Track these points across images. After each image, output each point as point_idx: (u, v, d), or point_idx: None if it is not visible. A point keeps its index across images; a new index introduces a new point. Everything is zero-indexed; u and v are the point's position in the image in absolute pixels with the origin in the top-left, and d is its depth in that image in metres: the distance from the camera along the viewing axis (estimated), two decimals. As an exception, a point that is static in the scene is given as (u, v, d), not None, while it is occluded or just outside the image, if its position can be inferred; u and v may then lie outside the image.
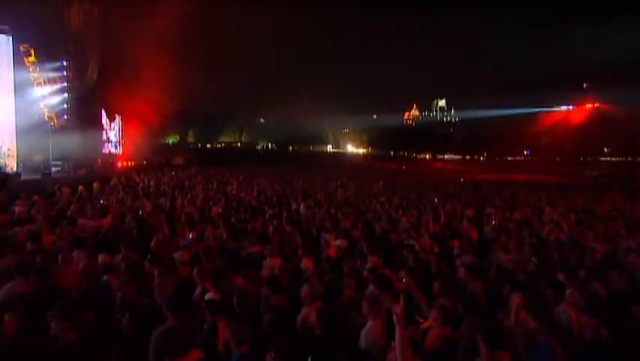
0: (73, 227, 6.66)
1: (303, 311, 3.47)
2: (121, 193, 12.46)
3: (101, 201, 10.40)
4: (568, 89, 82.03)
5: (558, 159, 66.21)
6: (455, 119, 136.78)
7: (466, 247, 5.34)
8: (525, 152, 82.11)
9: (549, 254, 5.37)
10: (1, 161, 18.73)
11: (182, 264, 4.45)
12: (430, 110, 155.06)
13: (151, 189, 13.76)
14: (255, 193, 12.91)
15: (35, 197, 12.10)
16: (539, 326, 2.93)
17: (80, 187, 13.93)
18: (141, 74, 28.92)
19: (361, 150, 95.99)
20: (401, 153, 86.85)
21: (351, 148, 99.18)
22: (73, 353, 2.69)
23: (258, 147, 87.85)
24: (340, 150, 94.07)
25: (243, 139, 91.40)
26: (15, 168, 18.83)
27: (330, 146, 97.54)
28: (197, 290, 3.95)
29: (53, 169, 20.70)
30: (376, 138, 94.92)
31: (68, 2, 21.34)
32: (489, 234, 7.38)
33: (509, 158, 78.65)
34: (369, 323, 3.21)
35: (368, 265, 4.43)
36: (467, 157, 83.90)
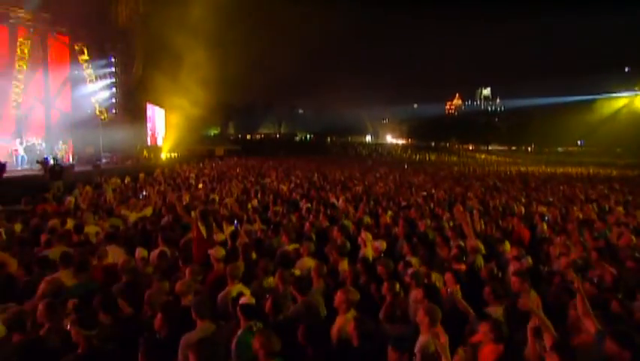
0: (111, 218, 6.83)
1: (339, 320, 3.23)
2: (162, 185, 12.81)
3: (144, 193, 10.71)
4: (634, 73, 75.01)
5: (619, 150, 60.61)
6: (500, 108, 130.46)
7: (518, 251, 4.80)
8: (579, 142, 76.61)
9: (621, 262, 4.72)
10: (59, 153, 19.94)
11: (217, 260, 4.34)
12: (474, 99, 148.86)
13: (191, 181, 14.05)
14: (292, 185, 12.81)
15: (86, 187, 12.81)
16: (622, 354, 2.46)
17: (126, 179, 14.61)
18: (184, 68, 29.71)
19: (401, 141, 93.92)
20: (443, 143, 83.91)
21: (390, 139, 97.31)
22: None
23: (297, 138, 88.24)
24: (379, 141, 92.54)
25: (282, 130, 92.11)
26: (71, 160, 19.99)
27: (369, 137, 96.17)
28: (228, 289, 3.81)
29: (103, 160, 21.85)
30: (417, 129, 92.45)
31: (117, 1, 22.17)
32: (542, 234, 6.76)
33: (560, 149, 73.75)
34: (427, 337, 2.90)
35: (410, 271, 4.08)
36: (513, 148, 79.72)
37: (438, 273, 4.39)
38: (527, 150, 77.56)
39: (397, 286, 3.79)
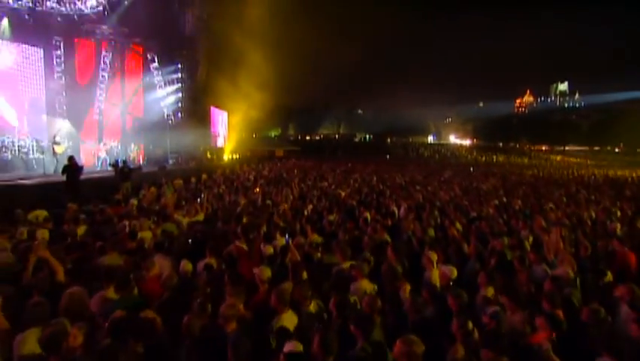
0: (166, 222, 6.80)
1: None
2: (222, 186, 12.95)
3: (202, 195, 10.84)
4: None
5: None
6: (580, 105, 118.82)
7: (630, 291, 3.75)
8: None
9: None
10: (131, 155, 21.35)
11: (262, 282, 3.94)
12: (548, 96, 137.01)
13: (248, 184, 14.10)
14: (349, 190, 12.28)
15: (152, 189, 13.36)
16: None
17: (192, 179, 15.04)
18: (245, 72, 30.47)
19: (465, 141, 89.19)
20: (512, 144, 78.07)
21: (454, 139, 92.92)
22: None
23: (356, 139, 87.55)
24: (442, 142, 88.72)
25: (341, 131, 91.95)
26: (141, 162, 21.28)
27: (432, 137, 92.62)
28: (276, 319, 3.38)
29: (170, 162, 23.02)
30: (482, 128, 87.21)
31: (183, 10, 23.27)
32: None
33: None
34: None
35: (490, 310, 3.33)
36: (596, 148, 71.81)
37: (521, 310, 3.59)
38: (614, 150, 69.48)
39: (470, 324, 3.11)
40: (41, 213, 8.50)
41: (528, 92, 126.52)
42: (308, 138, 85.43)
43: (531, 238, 6.15)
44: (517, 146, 76.00)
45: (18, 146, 16.35)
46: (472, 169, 29.06)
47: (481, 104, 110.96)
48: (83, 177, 12.61)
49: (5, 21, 17.71)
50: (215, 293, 3.94)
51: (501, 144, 78.04)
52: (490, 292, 3.96)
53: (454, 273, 4.18)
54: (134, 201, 9.18)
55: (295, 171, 20.18)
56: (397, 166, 26.53)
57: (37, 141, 17.21)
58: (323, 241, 5.84)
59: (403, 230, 6.61)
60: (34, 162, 15.79)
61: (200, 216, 7.75)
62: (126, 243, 5.69)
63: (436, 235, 6.44)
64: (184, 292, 3.89)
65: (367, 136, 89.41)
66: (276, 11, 29.72)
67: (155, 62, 22.74)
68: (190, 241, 6.45)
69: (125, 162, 13.38)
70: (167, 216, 7.23)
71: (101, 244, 5.35)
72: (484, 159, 50.07)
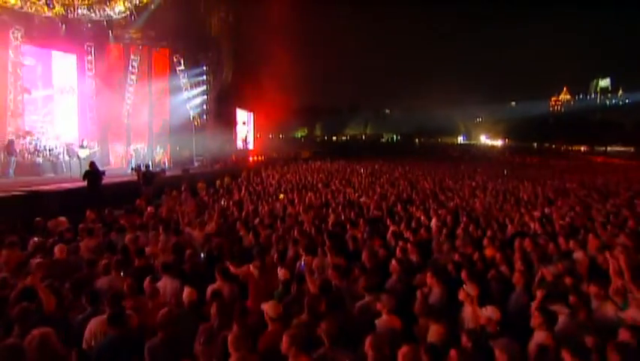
0: (178, 237, 6.41)
1: None
2: (243, 192, 12.59)
3: (222, 202, 10.49)
4: None
5: None
6: (623, 102, 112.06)
7: None
8: None
9: None
10: (157, 158, 21.49)
11: (272, 320, 3.41)
12: (587, 93, 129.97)
13: (271, 188, 13.67)
14: (376, 197, 11.60)
15: (174, 192, 13.17)
16: None
17: (217, 182, 14.79)
18: (271, 73, 30.31)
19: (497, 142, 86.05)
20: (547, 144, 74.46)
21: (484, 139, 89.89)
22: None
23: (383, 140, 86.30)
24: (472, 142, 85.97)
25: (368, 131, 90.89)
26: (167, 164, 21.38)
27: (461, 137, 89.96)
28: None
29: (195, 164, 23.05)
30: (515, 128, 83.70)
31: (209, 12, 23.25)
32: None
33: None
34: None
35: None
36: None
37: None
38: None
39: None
40: (61, 221, 8.40)
41: (565, 89, 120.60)
42: (334, 138, 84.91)
43: (586, 262, 5.32)
44: (554, 147, 72.32)
45: (48, 149, 16.67)
46: (505, 172, 27.62)
47: (513, 103, 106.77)
48: (106, 181, 12.61)
49: (39, 29, 18.15)
50: (224, 324, 3.46)
51: (535, 145, 74.62)
52: (545, 337, 3.27)
53: (498, 314, 3.49)
54: (150, 209, 8.91)
55: (320, 175, 19.64)
56: (426, 169, 25.46)
57: (66, 145, 17.52)
58: (346, 264, 5.25)
59: (435, 250, 5.91)
60: (62, 165, 16.03)
61: (211, 227, 7.34)
62: (133, 259, 5.33)
63: (472, 255, 5.71)
64: (185, 329, 3.42)
65: (395, 137, 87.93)
66: (302, 12, 29.37)
67: (181, 64, 22.82)
68: (204, 255, 6.04)
69: (147, 166, 13.28)
70: (180, 230, 6.85)
71: (106, 261, 5.00)
72: (517, 160, 47.84)
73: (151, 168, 18.58)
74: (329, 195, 11.99)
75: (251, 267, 4.38)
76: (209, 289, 4.32)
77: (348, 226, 7.56)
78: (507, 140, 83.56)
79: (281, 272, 4.49)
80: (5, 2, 16.10)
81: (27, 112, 18.44)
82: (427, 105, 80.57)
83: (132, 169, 13.66)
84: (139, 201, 11.02)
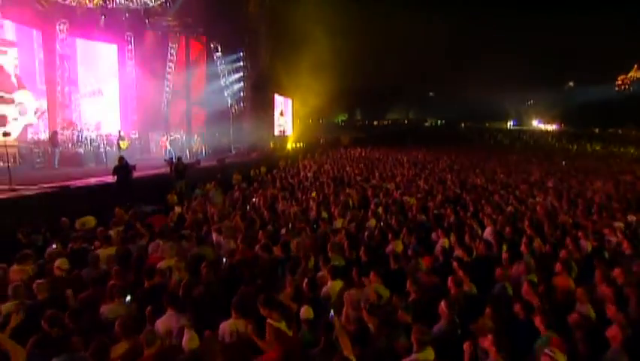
0: (199, 247, 5.78)
1: None
2: (277, 187, 11.94)
3: (254, 200, 9.85)
4: None
5: None
6: None
7: None
8: None
9: None
10: (195, 146, 21.40)
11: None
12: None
13: (307, 182, 12.91)
14: (420, 195, 10.50)
15: (208, 186, 12.78)
16: None
17: (237, 177, 14.23)
18: (310, 57, 29.21)
19: (551, 127, 79.79)
20: (612, 130, 67.57)
21: (537, 124, 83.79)
22: None
23: (426, 124, 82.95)
24: (523, 127, 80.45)
25: (410, 116, 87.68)
26: (204, 153, 21.24)
27: (511, 122, 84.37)
28: None
29: (233, 152, 22.80)
30: (573, 111, 76.80)
31: (246, -1, 22.57)
32: None
33: None
34: None
35: None
36: None
37: None
38: None
39: None
40: (89, 220, 8.13)
41: (635, 66, 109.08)
42: (375, 123, 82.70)
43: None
44: (620, 132, 65.31)
45: (89, 140, 16.92)
46: (563, 163, 25.12)
47: (571, 84, 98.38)
48: (139, 174, 12.42)
49: (82, 21, 18.32)
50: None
51: (597, 130, 68.07)
52: None
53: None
54: (177, 209, 8.44)
55: (359, 165, 18.63)
56: (474, 158, 23.54)
57: (105, 136, 17.75)
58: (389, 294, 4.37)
59: (497, 279, 4.84)
60: (103, 155, 16.18)
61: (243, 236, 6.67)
62: (144, 279, 4.75)
63: (544, 287, 4.59)
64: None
65: (439, 121, 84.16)
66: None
67: (218, 51, 22.45)
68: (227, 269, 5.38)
69: (179, 158, 12.94)
70: (203, 238, 6.24)
71: (113, 283, 4.46)
72: (574, 147, 43.73)
73: (188, 158, 18.58)
74: (368, 192, 11.05)
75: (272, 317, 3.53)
76: (222, 328, 3.63)
77: (390, 235, 6.62)
78: (563, 124, 77.24)
79: (304, 311, 3.69)
80: (50, -5, 16.25)
81: (72, 103, 18.86)
82: (474, 88, 75.50)
83: (165, 161, 13.40)
84: (170, 197, 10.69)
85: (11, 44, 15.95)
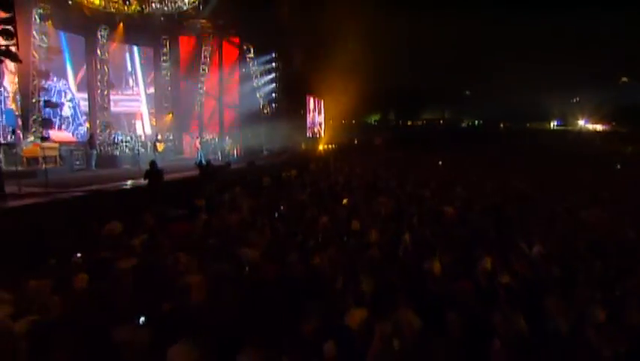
0: (220, 265, 5.45)
1: None
2: (306, 191, 11.57)
3: (281, 208, 9.51)
4: None
5: None
6: None
7: None
8: None
9: None
10: (227, 148, 21.50)
11: None
12: None
13: (338, 187, 12.46)
14: (458, 204, 9.77)
15: (237, 189, 12.62)
16: None
17: (266, 179, 13.96)
18: (343, 56, 28.74)
19: (600, 126, 74.59)
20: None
21: (583, 124, 78.66)
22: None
23: (463, 124, 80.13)
24: (568, 127, 75.87)
25: (446, 116, 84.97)
26: (236, 155, 21.32)
27: (555, 122, 79.76)
28: None
29: (265, 153, 22.74)
30: (627, 109, 71.34)
31: (279, -1, 22.46)
32: None
33: None
34: None
35: None
36: None
37: None
38: None
39: None
40: (115, 226, 8.08)
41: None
42: (409, 123, 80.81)
43: None
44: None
45: (125, 142, 17.31)
46: (617, 166, 23.27)
47: (624, 79, 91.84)
48: (171, 177, 12.47)
49: (120, 26, 18.91)
50: None
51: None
52: None
53: None
54: (203, 216, 8.22)
55: (393, 170, 17.97)
56: (516, 163, 22.18)
57: (142, 137, 18.14)
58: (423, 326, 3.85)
59: (550, 312, 4.18)
60: (138, 156, 16.50)
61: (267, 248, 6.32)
62: (162, 297, 4.49)
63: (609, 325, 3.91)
64: None
65: (476, 122, 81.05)
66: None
67: (250, 52, 22.47)
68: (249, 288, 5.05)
69: (208, 161, 12.87)
70: (226, 249, 5.92)
71: (127, 301, 4.22)
72: (629, 149, 40.49)
73: (220, 159, 18.64)
74: (403, 199, 10.44)
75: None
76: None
77: (426, 252, 6.05)
78: (614, 124, 71.97)
79: (328, 349, 3.25)
80: (91, 3, 16.79)
81: (110, 106, 19.48)
82: (514, 86, 71.68)
83: (196, 164, 13.40)
84: (198, 201, 10.56)
85: (60, 51, 16.68)
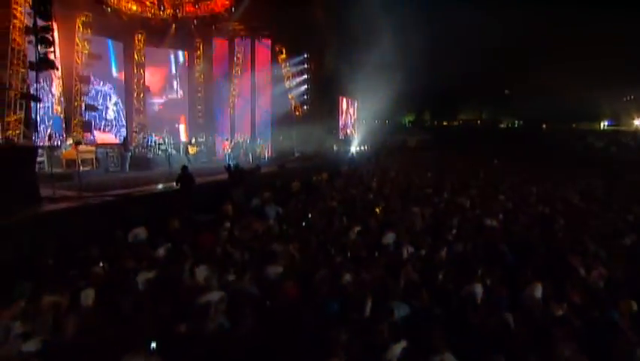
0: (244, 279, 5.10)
1: None
2: (336, 199, 11.10)
3: (309, 216, 9.10)
4: None
5: None
6: None
7: None
8: None
9: None
10: (258, 150, 21.40)
11: None
12: None
13: (370, 194, 11.91)
14: (501, 215, 8.96)
15: (266, 195, 12.35)
16: None
17: (296, 184, 13.58)
18: (375, 57, 28.03)
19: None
20: None
21: (638, 123, 72.99)
22: None
23: (502, 125, 76.71)
24: (621, 127, 70.62)
25: (484, 116, 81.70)
26: (267, 158, 21.19)
27: (605, 122, 74.48)
28: None
29: (296, 155, 22.49)
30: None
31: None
32: None
33: None
34: None
35: None
36: None
37: None
38: None
39: None
40: (141, 232, 7.99)
41: None
42: (445, 123, 78.39)
43: None
44: None
45: (158, 144, 17.56)
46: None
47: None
48: (203, 180, 12.40)
49: (155, 30, 19.26)
50: None
51: None
52: None
53: None
54: (227, 225, 7.95)
55: (428, 174, 17.14)
56: (565, 171, 20.39)
57: (174, 140, 18.37)
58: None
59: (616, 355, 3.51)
60: (170, 159, 16.65)
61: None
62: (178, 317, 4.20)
63: None
64: None
65: (516, 122, 77.31)
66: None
67: (282, 53, 22.31)
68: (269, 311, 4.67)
69: (236, 165, 12.67)
70: (253, 268, 5.54)
71: (139, 323, 3.95)
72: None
73: (251, 162, 18.52)
74: (441, 207, 9.76)
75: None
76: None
77: (467, 272, 5.44)
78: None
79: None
80: (129, 9, 17.17)
81: (145, 108, 19.92)
82: (558, 83, 67.25)
83: (225, 167, 13.26)
84: (225, 207, 10.36)
85: (99, 57, 17.22)
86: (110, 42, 18.14)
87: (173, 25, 18.54)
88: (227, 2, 17.41)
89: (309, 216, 8.95)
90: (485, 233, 7.55)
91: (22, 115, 13.28)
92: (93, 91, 17.12)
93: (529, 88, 75.72)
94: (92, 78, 16.79)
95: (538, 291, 4.82)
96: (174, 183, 10.58)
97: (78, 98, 16.48)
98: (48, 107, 15.40)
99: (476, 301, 4.67)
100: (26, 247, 6.47)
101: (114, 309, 4.63)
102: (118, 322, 4.29)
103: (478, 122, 78.12)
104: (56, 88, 15.85)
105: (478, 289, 4.98)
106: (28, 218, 7.16)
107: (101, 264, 5.94)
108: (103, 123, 17.79)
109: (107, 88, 18.08)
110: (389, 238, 6.97)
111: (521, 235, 7.34)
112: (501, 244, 6.64)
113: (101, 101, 17.64)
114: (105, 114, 17.92)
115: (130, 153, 15.90)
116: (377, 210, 9.18)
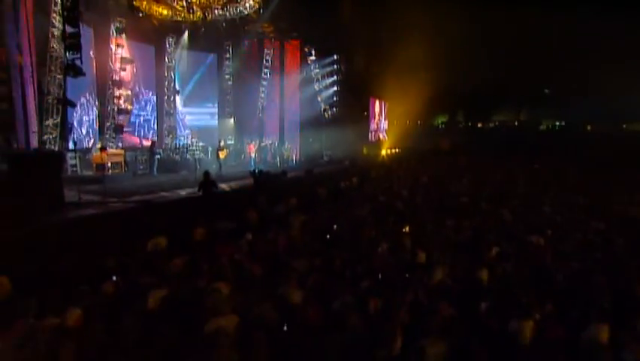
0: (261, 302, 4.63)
1: None
2: (365, 208, 10.50)
3: (335, 227, 8.54)
4: None
5: None
6: None
7: None
8: None
9: None
10: (285, 153, 21.09)
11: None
12: None
13: (400, 203, 11.20)
14: (548, 230, 8.07)
15: (292, 200, 11.93)
16: None
17: (322, 190, 13.02)
18: (408, 55, 27.08)
19: None
20: None
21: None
22: None
23: (542, 127, 72.93)
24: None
25: (522, 117, 78.05)
26: (295, 161, 20.85)
27: (658, 124, 69.29)
28: None
29: (325, 158, 22.04)
30: None
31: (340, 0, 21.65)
32: None
33: None
34: None
35: None
36: None
37: None
38: None
39: None
40: (161, 241, 7.73)
41: None
42: (480, 125, 75.46)
43: None
44: None
45: (186, 147, 17.59)
46: None
47: None
48: (225, 185, 12.17)
49: (186, 34, 19.41)
50: None
51: None
52: None
53: None
54: (248, 236, 7.54)
55: (463, 180, 16.17)
56: (617, 177, 18.63)
57: (202, 144, 18.37)
58: None
59: None
60: (198, 162, 16.61)
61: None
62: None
63: None
64: None
65: (557, 123, 73.25)
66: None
67: (312, 54, 21.96)
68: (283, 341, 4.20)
69: (261, 171, 12.33)
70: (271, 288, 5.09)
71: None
72: None
73: (279, 165, 18.23)
74: (478, 221, 8.97)
75: None
76: None
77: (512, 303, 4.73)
78: None
79: None
80: (160, 14, 17.33)
81: (175, 112, 20.08)
82: (603, 80, 62.86)
83: (250, 173, 12.99)
84: (249, 214, 10.00)
85: (131, 62, 17.50)
86: (143, 47, 18.41)
87: (202, 28, 18.54)
88: (255, 4, 17.19)
89: (335, 227, 8.40)
90: (530, 253, 6.72)
91: (59, 120, 13.61)
92: (143, 101, 17.57)
93: (571, 86, 71.59)
94: (133, 84, 17.19)
95: (604, 333, 4.04)
96: (197, 190, 10.36)
97: (111, 103, 16.79)
98: (84, 112, 15.77)
99: (525, 342, 3.97)
100: (43, 257, 6.32)
101: (119, 334, 4.31)
102: (120, 351, 3.94)
103: (516, 123, 74.72)
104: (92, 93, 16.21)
105: (528, 326, 4.26)
106: (48, 226, 7.04)
107: (114, 278, 5.67)
108: (137, 124, 18.12)
109: (149, 94, 18.50)
110: (421, 257, 6.31)
111: (574, 256, 6.46)
112: (552, 268, 5.83)
113: (145, 106, 18.15)
114: (142, 118, 18.33)
115: (158, 156, 15.96)
116: (406, 228, 8.41)
